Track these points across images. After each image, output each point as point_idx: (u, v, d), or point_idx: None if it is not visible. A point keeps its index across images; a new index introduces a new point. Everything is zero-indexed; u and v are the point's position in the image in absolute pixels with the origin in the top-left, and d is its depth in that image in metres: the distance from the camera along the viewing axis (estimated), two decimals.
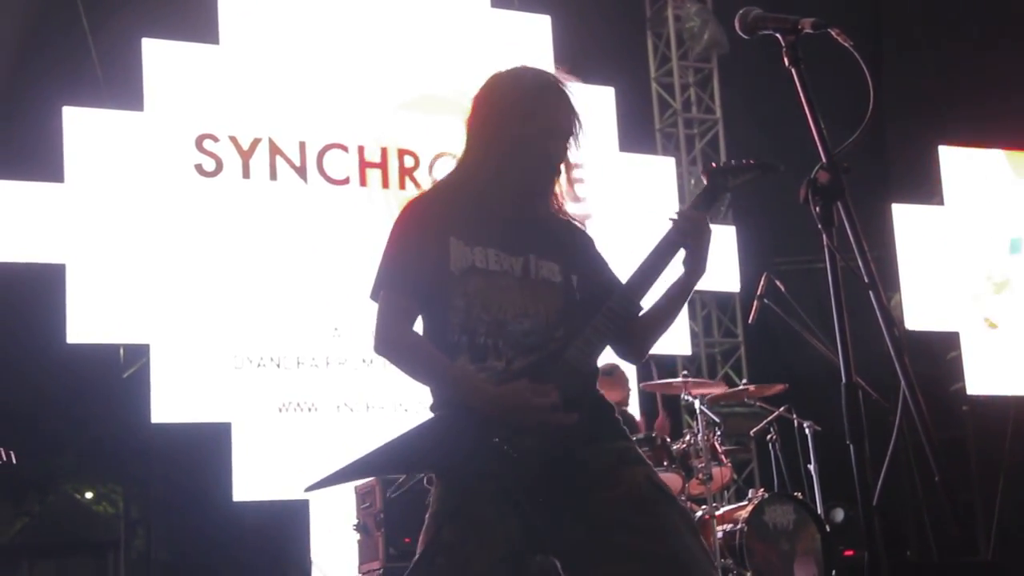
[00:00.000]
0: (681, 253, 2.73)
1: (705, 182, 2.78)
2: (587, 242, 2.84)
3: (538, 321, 2.63)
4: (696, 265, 2.73)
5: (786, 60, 2.28)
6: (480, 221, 2.67)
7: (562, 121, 2.72)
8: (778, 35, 2.30)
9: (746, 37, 2.30)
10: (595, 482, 2.53)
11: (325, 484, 2.45)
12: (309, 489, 2.49)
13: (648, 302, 2.73)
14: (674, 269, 2.79)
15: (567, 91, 2.75)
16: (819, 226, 2.19)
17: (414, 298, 2.62)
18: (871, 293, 2.12)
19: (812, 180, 2.21)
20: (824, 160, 2.22)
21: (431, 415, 2.62)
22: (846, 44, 2.20)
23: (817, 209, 2.20)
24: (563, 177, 2.78)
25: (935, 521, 9.75)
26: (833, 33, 2.21)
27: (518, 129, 2.67)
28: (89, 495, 18.23)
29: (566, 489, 2.49)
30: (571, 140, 2.75)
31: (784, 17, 2.31)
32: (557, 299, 2.68)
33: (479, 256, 2.64)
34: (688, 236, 2.69)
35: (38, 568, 17.03)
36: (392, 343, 2.62)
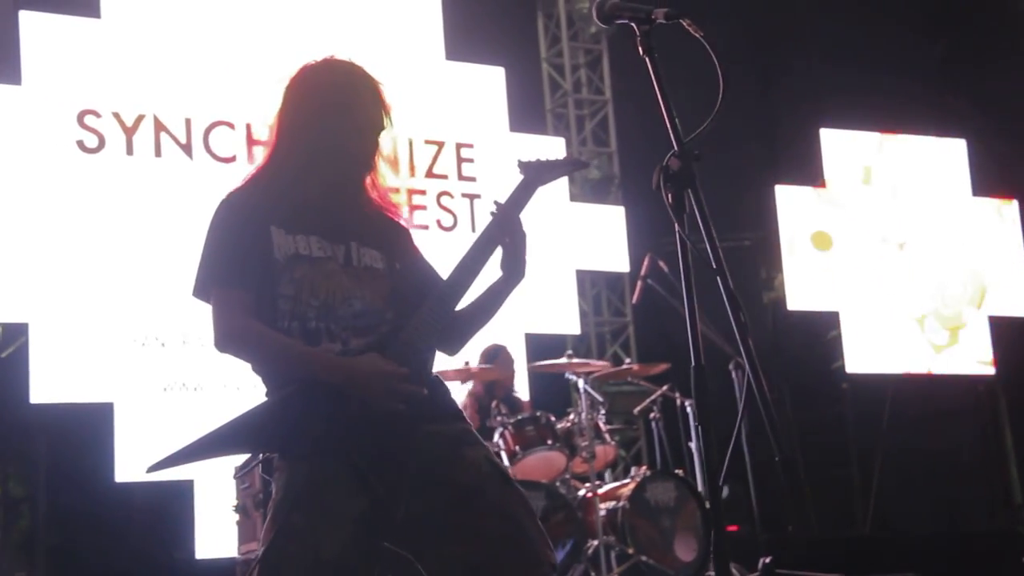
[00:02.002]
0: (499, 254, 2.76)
1: (521, 176, 2.81)
2: (406, 235, 2.87)
3: (366, 304, 2.64)
4: (513, 267, 2.76)
5: (640, 49, 2.32)
6: (298, 210, 2.67)
7: (372, 115, 2.73)
8: (633, 24, 2.34)
9: (603, 26, 2.33)
10: (435, 463, 2.56)
11: (168, 464, 2.43)
12: (151, 470, 2.47)
13: (470, 295, 2.75)
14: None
15: (378, 84, 2.76)
16: (670, 213, 2.23)
17: (247, 290, 2.60)
18: (718, 278, 2.16)
19: (664, 167, 2.26)
20: (676, 148, 2.26)
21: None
22: (696, 35, 2.24)
23: (669, 196, 2.24)
24: (382, 170, 2.79)
25: (816, 497, 10.03)
26: (684, 23, 2.25)
27: (326, 122, 2.68)
28: None
29: (407, 470, 2.51)
30: (381, 134, 2.76)
31: (638, 7, 2.35)
32: (382, 284, 2.70)
33: (302, 244, 2.64)
34: (505, 232, 2.71)
35: None
36: (237, 337, 2.59)
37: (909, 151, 10.65)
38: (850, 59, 10.45)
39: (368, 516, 2.49)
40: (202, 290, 2.65)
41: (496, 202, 2.75)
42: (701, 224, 2.21)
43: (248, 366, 2.67)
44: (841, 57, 10.57)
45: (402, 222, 2.87)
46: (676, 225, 2.24)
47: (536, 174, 2.83)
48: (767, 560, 5.83)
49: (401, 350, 2.54)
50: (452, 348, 2.88)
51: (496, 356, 7.11)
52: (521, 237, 2.73)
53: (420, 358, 2.58)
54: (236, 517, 5.57)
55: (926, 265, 10.37)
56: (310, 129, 2.69)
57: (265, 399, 2.60)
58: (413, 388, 2.51)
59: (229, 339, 2.59)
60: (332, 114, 2.68)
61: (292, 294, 2.60)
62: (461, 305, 2.72)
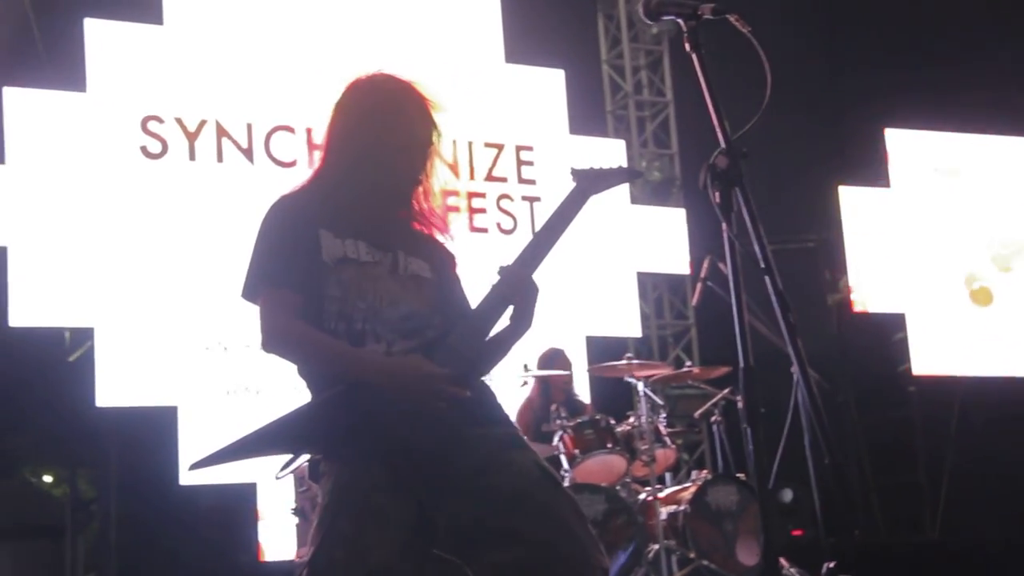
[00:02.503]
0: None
1: (574, 183, 2.77)
2: (450, 260, 2.85)
3: (413, 308, 2.64)
4: (520, 324, 2.69)
5: (687, 46, 2.29)
6: (347, 216, 2.67)
7: (417, 131, 2.72)
8: (680, 20, 2.31)
9: (650, 23, 2.30)
10: (483, 466, 2.54)
11: (210, 463, 2.43)
12: (193, 468, 2.48)
13: None
14: None
15: (425, 100, 2.74)
16: (717, 212, 2.19)
17: (295, 290, 2.60)
18: (766, 278, 2.12)
19: (711, 166, 2.22)
20: (723, 145, 2.22)
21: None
22: (744, 31, 2.21)
23: (717, 195, 2.20)
24: (436, 180, 2.78)
25: (883, 502, 9.88)
26: (731, 19, 2.22)
27: (372, 135, 2.68)
28: (48, 479, 18.10)
29: (454, 473, 2.50)
30: (429, 149, 2.74)
31: (684, 3, 2.32)
32: (430, 291, 2.69)
33: (350, 247, 2.64)
34: (515, 292, 2.64)
35: None
36: (283, 338, 2.59)
37: (977, 151, 10.46)
38: (915, 56, 10.29)
39: (415, 522, 2.48)
40: (251, 292, 2.66)
41: (501, 266, 2.67)
42: (749, 223, 2.17)
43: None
44: (906, 55, 10.42)
45: (449, 247, 2.85)
46: (723, 224, 2.21)
47: (590, 183, 2.79)
48: (831, 565, 5.77)
49: (448, 354, 2.53)
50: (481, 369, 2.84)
51: (553, 360, 7.08)
52: (531, 295, 2.66)
53: (466, 364, 2.57)
54: (295, 520, 5.59)
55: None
56: (353, 141, 2.70)
57: (312, 399, 2.59)
58: (456, 389, 2.49)
59: (275, 339, 2.59)
60: (374, 128, 2.68)
61: (339, 296, 2.60)
62: None
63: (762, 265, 2.13)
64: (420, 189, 2.77)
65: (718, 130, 2.24)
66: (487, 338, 2.66)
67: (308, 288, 2.61)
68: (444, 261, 2.81)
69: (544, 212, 8.58)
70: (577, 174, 2.79)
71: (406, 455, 2.48)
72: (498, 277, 2.63)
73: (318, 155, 2.82)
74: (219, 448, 2.44)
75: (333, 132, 2.76)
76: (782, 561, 6.05)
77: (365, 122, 2.70)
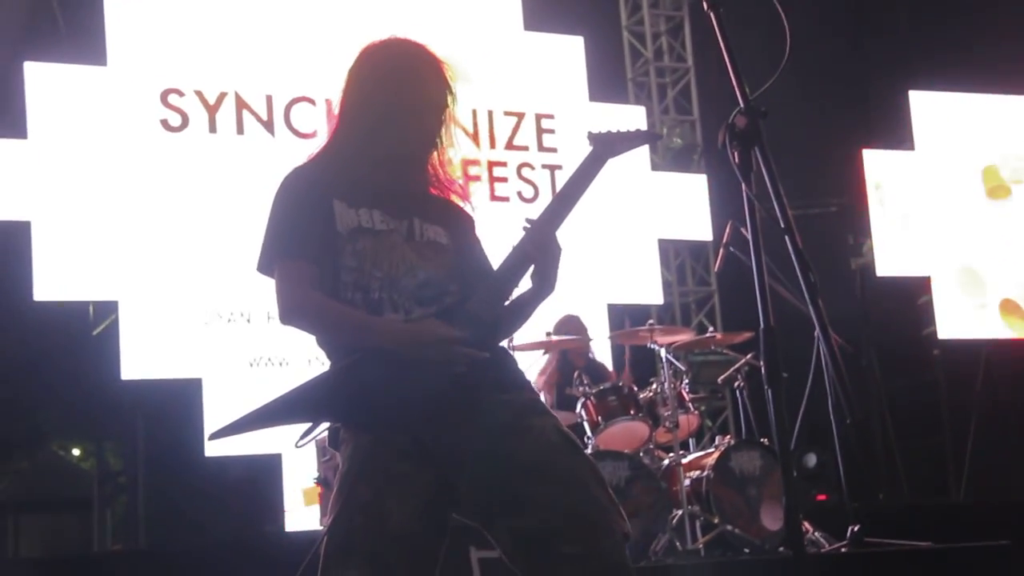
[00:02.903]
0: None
1: (591, 147, 2.75)
2: (468, 221, 2.82)
3: (430, 275, 2.62)
4: (542, 285, 2.65)
5: (705, 4, 2.27)
6: (361, 185, 2.65)
7: (433, 94, 2.69)
8: None
9: None
10: (502, 432, 2.53)
11: (230, 432, 2.44)
12: (213, 437, 2.48)
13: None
14: None
15: (441, 63, 2.72)
16: (736, 172, 2.18)
17: (311, 261, 2.59)
18: (786, 238, 2.11)
19: (730, 125, 2.20)
20: (741, 105, 2.21)
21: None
22: None
23: (736, 155, 2.18)
24: (455, 146, 2.76)
25: (908, 465, 9.85)
26: None
27: (383, 101, 2.65)
28: (76, 452, 18.27)
29: (474, 439, 2.49)
30: (444, 113, 2.72)
31: None
32: (447, 258, 2.67)
33: (364, 217, 2.63)
34: (538, 250, 2.60)
35: (24, 524, 17.09)
36: (300, 308, 2.58)
37: (1003, 112, 10.36)
38: (940, 19, 10.19)
39: (434, 488, 2.48)
40: (266, 265, 2.65)
41: (528, 219, 2.65)
42: (769, 182, 2.15)
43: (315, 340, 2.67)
44: (931, 17, 10.31)
45: (466, 208, 2.82)
46: (743, 184, 2.19)
47: (607, 146, 2.76)
48: (856, 528, 5.76)
49: (466, 319, 2.53)
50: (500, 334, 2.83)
51: (567, 326, 7.07)
52: (555, 254, 2.62)
53: (485, 329, 2.56)
54: (318, 490, 5.63)
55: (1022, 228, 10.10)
56: (368, 108, 2.67)
57: (330, 368, 2.60)
58: (473, 352, 2.48)
59: (292, 311, 2.59)
60: (389, 93, 2.65)
61: (355, 266, 2.59)
62: None
63: (782, 225, 2.12)
64: (436, 154, 2.76)
65: (737, 89, 2.23)
66: (508, 301, 2.65)
67: (323, 259, 2.60)
68: (462, 225, 2.78)
69: (565, 179, 8.58)
70: (593, 138, 2.76)
71: (425, 422, 2.48)
72: (523, 233, 2.61)
73: (329, 125, 2.80)
74: (239, 417, 2.44)
75: (347, 98, 2.73)
76: (806, 525, 6.05)
77: (379, 86, 2.67)
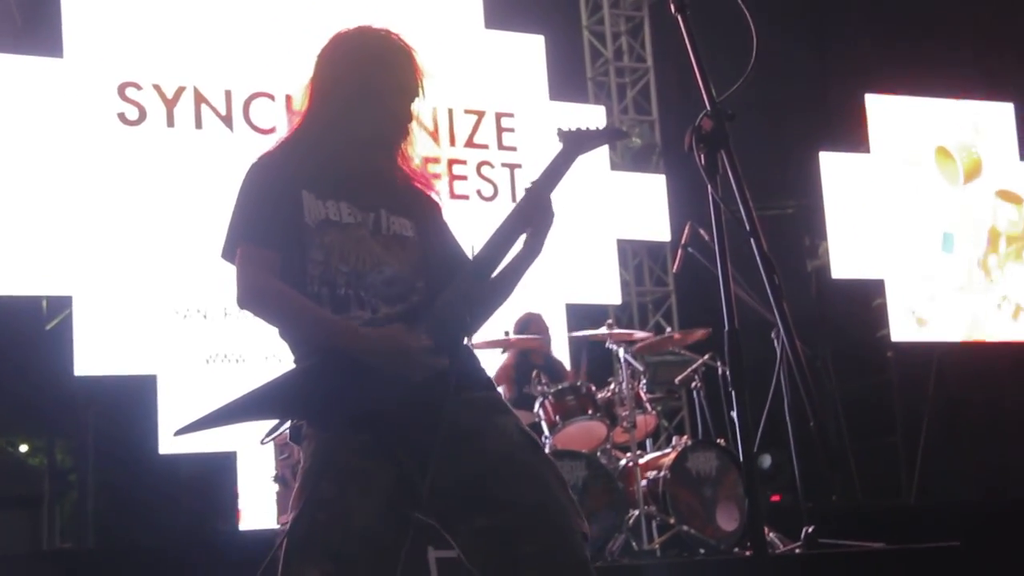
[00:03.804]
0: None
1: (560, 144, 2.77)
2: (435, 208, 2.82)
3: (396, 272, 2.62)
4: (533, 247, 2.69)
5: (672, 7, 2.28)
6: (329, 176, 2.65)
7: (404, 79, 2.70)
8: None
9: None
10: (465, 432, 2.53)
11: (194, 428, 2.41)
12: (178, 433, 2.45)
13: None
14: None
15: (412, 51, 2.73)
16: (702, 174, 2.18)
17: (275, 249, 2.57)
18: (751, 240, 2.12)
19: (696, 128, 2.21)
20: (708, 107, 2.21)
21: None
22: None
23: (702, 157, 2.19)
24: (417, 140, 2.77)
25: (861, 466, 9.95)
26: None
27: (356, 84, 2.65)
28: (24, 448, 18.04)
29: (436, 439, 2.49)
30: (415, 100, 2.73)
31: None
32: (413, 252, 2.67)
33: (332, 209, 2.62)
34: (537, 210, 2.67)
35: None
36: (259, 293, 2.56)
37: (955, 116, 10.47)
38: (896, 23, 10.29)
39: (396, 487, 2.48)
40: (230, 251, 2.62)
41: (532, 180, 2.71)
42: (735, 185, 2.16)
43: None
44: (887, 22, 10.41)
45: (433, 196, 2.82)
46: (709, 187, 2.20)
47: (576, 143, 2.78)
48: (810, 529, 5.80)
49: (431, 322, 2.52)
50: (471, 327, 2.83)
51: (528, 325, 7.08)
52: (549, 217, 2.68)
53: (449, 330, 2.56)
54: (276, 488, 5.60)
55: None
56: (340, 91, 2.67)
57: (293, 366, 2.58)
58: (435, 360, 2.48)
59: (251, 296, 2.57)
60: (362, 76, 2.66)
61: (322, 259, 2.58)
62: None
63: (747, 228, 2.13)
64: (404, 141, 2.75)
65: (703, 92, 2.23)
66: (497, 272, 2.65)
67: (289, 249, 2.58)
68: (428, 212, 2.78)
69: (525, 178, 8.59)
70: (563, 135, 2.78)
71: (388, 423, 2.47)
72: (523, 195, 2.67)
73: (300, 109, 2.78)
74: (203, 415, 2.42)
75: (318, 80, 2.72)
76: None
77: (350, 67, 2.68)
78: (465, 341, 2.69)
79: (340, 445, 2.49)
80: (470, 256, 2.69)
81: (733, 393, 2.11)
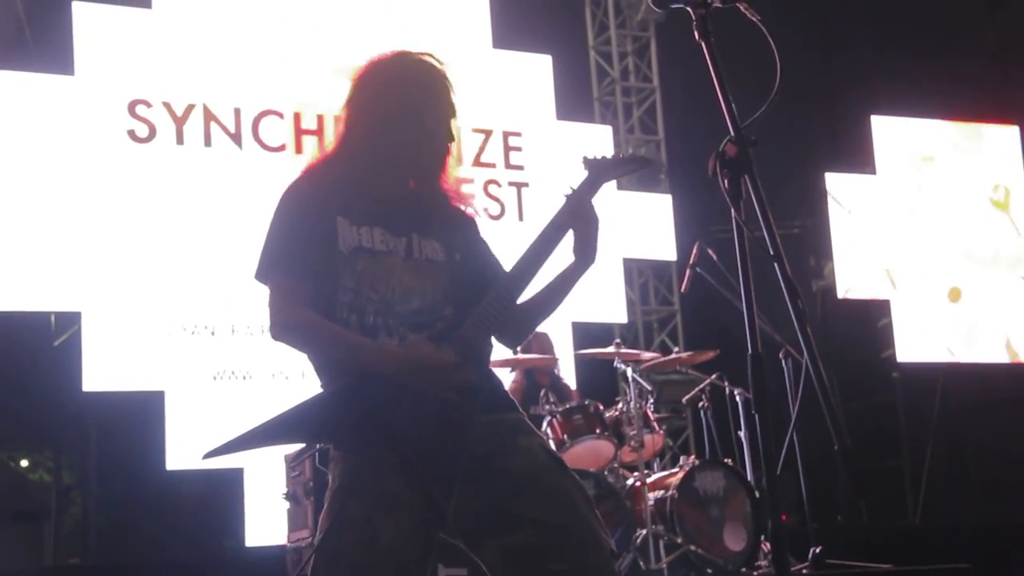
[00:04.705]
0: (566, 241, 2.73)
1: (585, 172, 2.79)
2: (471, 224, 2.85)
3: (426, 300, 2.63)
4: (585, 253, 2.72)
5: (696, 34, 2.30)
6: (364, 201, 2.67)
7: (440, 102, 2.73)
8: (689, 8, 2.32)
9: (658, 10, 2.31)
10: (491, 452, 2.55)
11: (223, 451, 2.43)
12: (207, 456, 2.47)
13: (533, 287, 2.73)
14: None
15: (446, 75, 2.76)
16: (727, 199, 2.20)
17: (307, 279, 2.59)
18: (776, 264, 2.14)
19: (720, 153, 2.23)
20: (732, 133, 2.24)
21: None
22: (753, 19, 2.22)
23: (726, 182, 2.21)
24: (454, 160, 2.79)
25: (867, 488, 9.95)
26: (741, 7, 2.23)
27: (397, 109, 2.67)
28: (25, 463, 18.03)
29: (463, 458, 2.50)
30: (451, 123, 2.75)
31: None
32: (442, 277, 2.68)
33: (365, 236, 2.64)
34: (577, 218, 2.68)
35: None
36: (292, 325, 2.59)
37: (961, 138, 10.51)
38: (902, 45, 10.33)
39: (424, 507, 2.49)
40: (263, 274, 2.65)
41: (571, 186, 2.73)
42: (758, 210, 2.18)
43: (297, 355, 2.67)
44: (892, 44, 10.45)
45: (469, 211, 2.85)
46: (733, 211, 2.22)
47: (601, 171, 2.81)
48: (817, 550, 5.80)
49: (458, 344, 2.54)
50: (514, 340, 2.85)
51: (537, 344, 7.08)
52: (595, 222, 2.71)
53: (477, 351, 2.58)
54: (286, 505, 5.59)
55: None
56: (386, 128, 2.68)
57: (320, 391, 2.59)
58: (464, 376, 2.50)
59: (285, 329, 2.59)
60: (405, 101, 2.68)
61: (353, 287, 2.60)
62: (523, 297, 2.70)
63: (771, 252, 2.14)
64: (447, 165, 2.77)
65: (727, 118, 2.25)
66: (545, 285, 2.69)
67: (322, 277, 2.60)
68: (461, 230, 2.80)
69: (532, 198, 8.62)
70: (588, 163, 2.80)
71: (416, 444, 2.48)
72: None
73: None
74: (232, 438, 2.44)
75: (357, 110, 2.73)
76: (768, 546, 6.09)
77: (386, 90, 2.70)
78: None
79: (368, 466, 2.51)
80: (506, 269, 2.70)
81: (756, 417, 2.13)
